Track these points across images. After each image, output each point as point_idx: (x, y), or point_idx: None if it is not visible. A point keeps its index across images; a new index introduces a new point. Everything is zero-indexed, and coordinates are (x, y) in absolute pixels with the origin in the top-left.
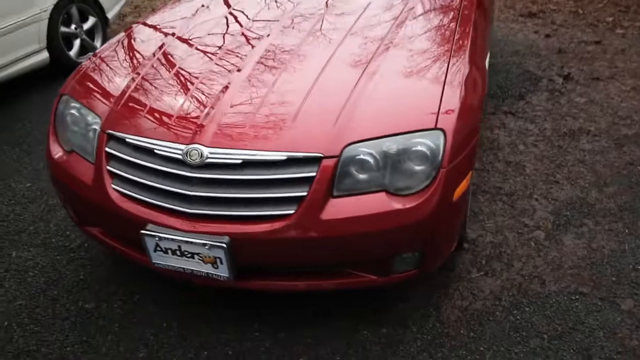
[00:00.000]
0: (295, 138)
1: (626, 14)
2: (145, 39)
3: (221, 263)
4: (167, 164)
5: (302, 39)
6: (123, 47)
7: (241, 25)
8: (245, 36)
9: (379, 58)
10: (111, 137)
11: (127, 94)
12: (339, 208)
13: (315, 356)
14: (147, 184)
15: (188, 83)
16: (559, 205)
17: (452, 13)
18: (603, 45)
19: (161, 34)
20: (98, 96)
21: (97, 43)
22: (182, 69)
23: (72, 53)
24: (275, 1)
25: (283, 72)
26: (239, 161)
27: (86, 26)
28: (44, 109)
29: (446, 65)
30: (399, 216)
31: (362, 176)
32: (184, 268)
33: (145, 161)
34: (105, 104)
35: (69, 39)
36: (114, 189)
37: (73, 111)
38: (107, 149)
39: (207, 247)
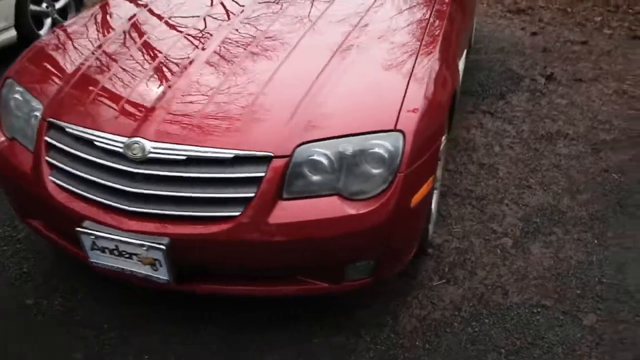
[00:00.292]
0: (245, 135)
1: (615, 14)
2: (114, 16)
3: (160, 265)
4: (107, 158)
5: (265, 29)
6: (87, 23)
7: (210, 8)
8: (208, 22)
9: (344, 52)
10: (52, 126)
11: (76, 77)
12: (288, 211)
13: None
14: (86, 177)
15: (142, 68)
16: (529, 211)
17: (425, 6)
18: (589, 46)
19: (132, 11)
20: (45, 79)
21: None
22: (139, 50)
23: (43, 32)
24: None
25: (241, 62)
26: (183, 157)
27: (58, 5)
28: None
29: (413, 61)
30: (352, 222)
31: (315, 178)
32: (122, 268)
33: (85, 153)
34: (52, 87)
35: (39, 18)
36: (51, 180)
37: (17, 95)
38: (46, 138)
39: (145, 248)
